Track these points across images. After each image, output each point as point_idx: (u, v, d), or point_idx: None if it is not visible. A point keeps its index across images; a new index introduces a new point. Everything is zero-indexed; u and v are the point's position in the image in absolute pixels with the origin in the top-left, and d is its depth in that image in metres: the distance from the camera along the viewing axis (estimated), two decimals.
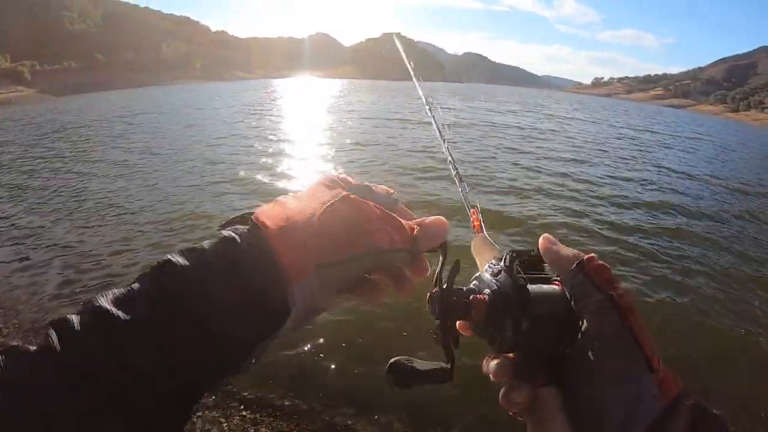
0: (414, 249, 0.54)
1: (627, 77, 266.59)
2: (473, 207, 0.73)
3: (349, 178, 0.58)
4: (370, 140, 15.97)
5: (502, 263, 0.55)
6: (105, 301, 0.39)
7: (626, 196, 10.42)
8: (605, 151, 18.04)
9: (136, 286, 0.41)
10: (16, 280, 5.57)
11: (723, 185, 13.63)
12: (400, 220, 0.54)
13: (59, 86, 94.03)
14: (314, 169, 11.42)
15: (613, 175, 12.97)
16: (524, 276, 0.53)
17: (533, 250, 0.57)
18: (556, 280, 0.55)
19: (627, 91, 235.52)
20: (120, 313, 0.38)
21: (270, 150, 13.85)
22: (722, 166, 18.54)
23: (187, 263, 0.42)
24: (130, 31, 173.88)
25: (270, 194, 8.32)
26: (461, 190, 0.79)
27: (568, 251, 0.55)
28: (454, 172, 0.86)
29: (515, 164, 13.04)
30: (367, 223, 0.51)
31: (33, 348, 0.38)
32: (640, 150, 19.75)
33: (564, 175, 11.97)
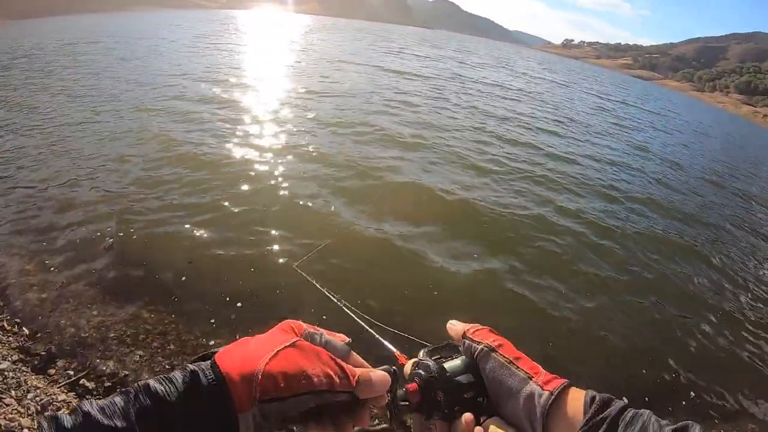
0: (356, 394, 0.69)
1: (597, 43, 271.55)
2: (401, 355, 0.91)
3: (303, 325, 0.77)
4: (327, 90, 15.59)
5: (422, 355, 0.85)
6: (91, 408, 0.50)
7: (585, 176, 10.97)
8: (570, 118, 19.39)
9: (118, 400, 0.52)
10: None
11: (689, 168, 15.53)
12: (346, 367, 0.70)
13: (15, 9, 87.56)
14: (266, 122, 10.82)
15: (573, 150, 13.46)
16: (440, 357, 0.84)
17: (443, 341, 0.89)
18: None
19: (596, 56, 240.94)
20: (104, 420, 0.49)
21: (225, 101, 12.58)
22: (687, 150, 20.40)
23: (162, 389, 0.55)
24: None
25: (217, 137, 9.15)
26: (388, 344, 0.98)
27: (458, 328, 0.88)
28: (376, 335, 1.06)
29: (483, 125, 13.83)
30: (310, 368, 0.65)
31: None
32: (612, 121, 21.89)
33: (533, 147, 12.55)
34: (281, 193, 7.17)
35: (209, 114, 10.70)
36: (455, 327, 0.90)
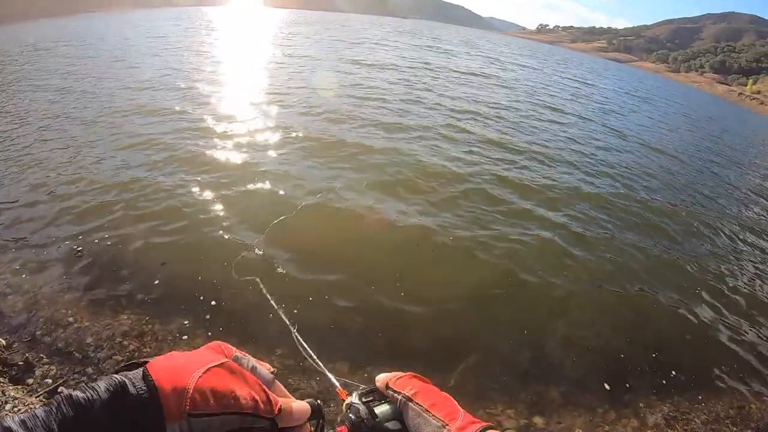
0: (277, 421, 0.72)
1: (572, 27, 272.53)
2: (342, 390, 0.97)
3: (232, 348, 0.80)
4: (293, 89, 15.29)
5: (354, 398, 0.89)
6: (12, 423, 0.49)
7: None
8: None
9: (39, 412, 0.52)
10: None
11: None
12: (271, 394, 0.74)
13: None
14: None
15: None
16: (372, 401, 0.89)
17: (372, 387, 0.93)
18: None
19: (571, 40, 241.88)
20: None
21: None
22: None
23: (85, 397, 0.55)
24: None
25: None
26: (332, 377, 1.04)
27: (383, 379, 0.92)
28: (314, 361, 1.12)
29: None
30: (238, 390, 0.68)
31: None
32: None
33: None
34: (248, 192, 7.20)
35: (173, 116, 10.69)
36: (381, 379, 0.94)
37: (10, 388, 3.47)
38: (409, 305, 5.03)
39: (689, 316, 5.75)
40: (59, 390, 3.55)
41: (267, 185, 7.35)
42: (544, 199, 8.27)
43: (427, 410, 0.82)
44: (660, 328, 5.44)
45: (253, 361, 0.81)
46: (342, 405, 0.93)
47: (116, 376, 0.61)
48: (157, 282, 4.93)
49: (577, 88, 28.43)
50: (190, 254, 5.44)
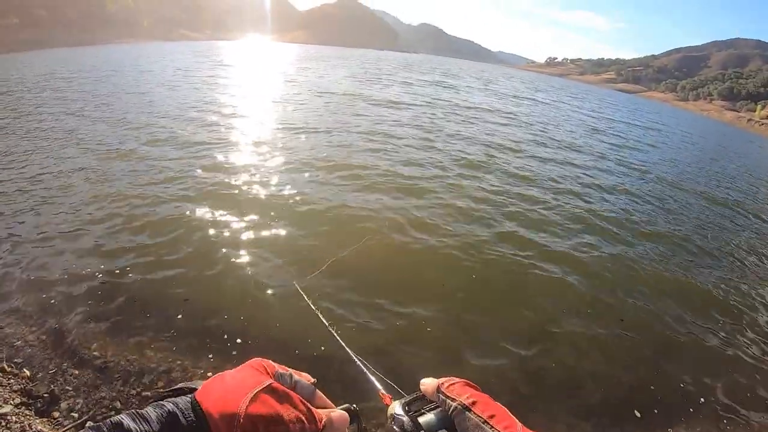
0: None
1: (580, 59, 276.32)
2: (385, 394, 0.97)
3: (274, 365, 0.80)
4: (319, 122, 15.69)
5: (398, 409, 0.88)
6: None
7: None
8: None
9: None
10: None
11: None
12: (314, 410, 0.74)
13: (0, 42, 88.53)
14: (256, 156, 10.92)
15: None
16: (416, 411, 0.88)
17: (418, 392, 0.92)
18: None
19: (580, 72, 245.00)
20: None
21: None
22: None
23: (136, 428, 0.55)
24: None
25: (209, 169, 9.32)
26: (377, 382, 1.04)
27: (432, 384, 0.90)
28: (359, 363, 1.12)
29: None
30: (285, 414, 0.69)
31: None
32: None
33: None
34: (268, 226, 7.27)
35: (190, 154, 10.70)
36: (428, 384, 0.93)
37: (36, 421, 3.47)
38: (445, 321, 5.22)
39: (714, 347, 5.80)
40: (87, 425, 3.53)
41: (286, 222, 7.44)
42: (561, 238, 8.22)
43: (486, 421, 0.80)
44: (685, 358, 5.48)
45: (294, 375, 0.84)
46: (386, 410, 0.93)
47: (166, 404, 0.65)
48: (180, 316, 4.97)
49: (589, 122, 28.23)
50: (212, 290, 5.48)
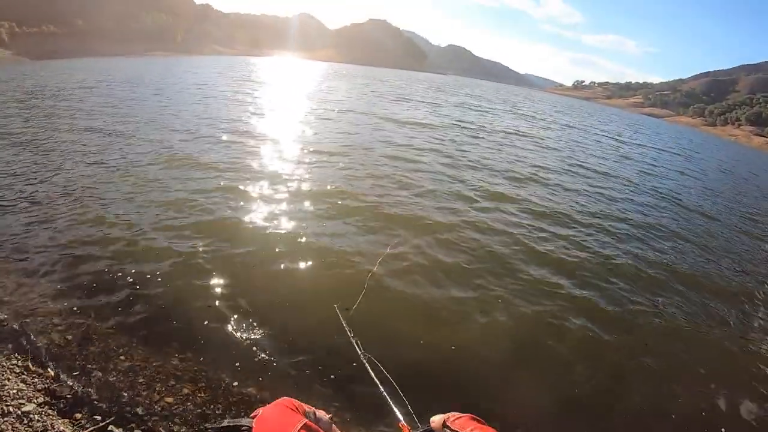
0: None
1: (608, 83, 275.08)
2: (404, 425, 1.06)
3: (303, 405, 0.92)
4: (345, 142, 15.69)
5: None
6: None
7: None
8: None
9: None
10: None
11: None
12: None
13: (37, 50, 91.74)
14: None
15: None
16: None
17: (428, 426, 1.06)
18: None
19: (607, 96, 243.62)
20: None
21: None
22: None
23: None
24: None
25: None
26: (398, 414, 1.15)
27: (439, 419, 1.00)
28: (384, 391, 1.26)
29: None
30: None
31: None
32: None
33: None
34: (295, 241, 7.35)
35: (220, 171, 10.70)
36: (436, 419, 1.01)
37: (59, 421, 3.48)
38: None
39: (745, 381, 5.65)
40: (109, 428, 3.51)
41: (303, 241, 7.51)
42: (587, 285, 7.46)
43: None
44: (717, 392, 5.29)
45: (317, 412, 0.94)
46: None
47: None
48: (206, 323, 5.00)
49: (618, 147, 27.69)
50: (239, 300, 5.49)
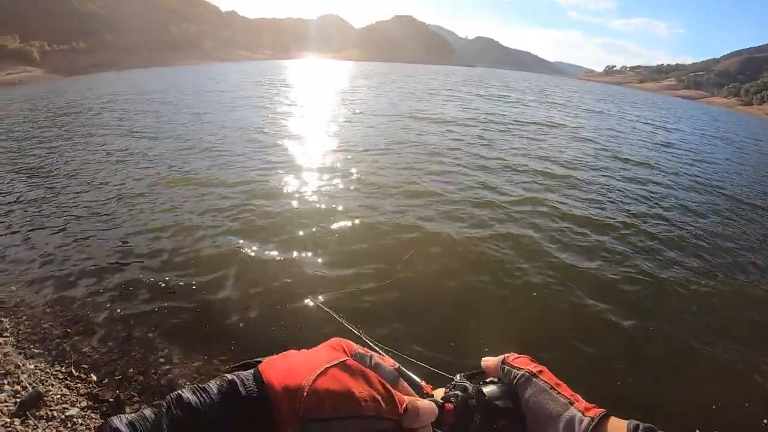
0: (401, 422, 0.67)
1: (639, 66, 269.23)
2: (428, 385, 0.86)
3: (353, 345, 0.76)
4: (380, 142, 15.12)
5: (459, 378, 0.87)
6: (120, 424, 0.48)
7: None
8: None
9: (148, 413, 0.51)
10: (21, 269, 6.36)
11: None
12: (396, 393, 0.68)
13: (68, 66, 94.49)
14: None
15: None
16: (479, 382, 0.86)
17: (478, 368, 0.92)
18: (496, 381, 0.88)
19: (639, 80, 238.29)
20: None
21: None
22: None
23: (196, 400, 0.54)
24: (139, 11, 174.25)
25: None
26: (413, 376, 0.85)
27: (495, 359, 0.91)
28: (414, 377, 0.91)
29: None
30: (358, 391, 0.63)
31: None
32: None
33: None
34: (330, 239, 7.36)
35: (252, 170, 10.94)
36: (491, 359, 0.92)
37: None
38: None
39: None
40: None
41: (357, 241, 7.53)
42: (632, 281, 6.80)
43: (554, 387, 0.81)
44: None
45: (376, 357, 0.77)
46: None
47: (228, 375, 0.60)
48: (242, 325, 5.03)
49: (656, 133, 25.72)
50: (270, 302, 5.52)
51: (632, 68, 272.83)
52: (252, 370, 0.62)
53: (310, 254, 6.77)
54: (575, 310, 5.86)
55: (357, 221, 8.06)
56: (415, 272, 6.41)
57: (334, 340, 0.75)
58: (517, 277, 6.51)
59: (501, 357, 0.90)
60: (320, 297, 5.58)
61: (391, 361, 0.79)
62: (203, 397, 0.55)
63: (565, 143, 17.97)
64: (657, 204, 10.79)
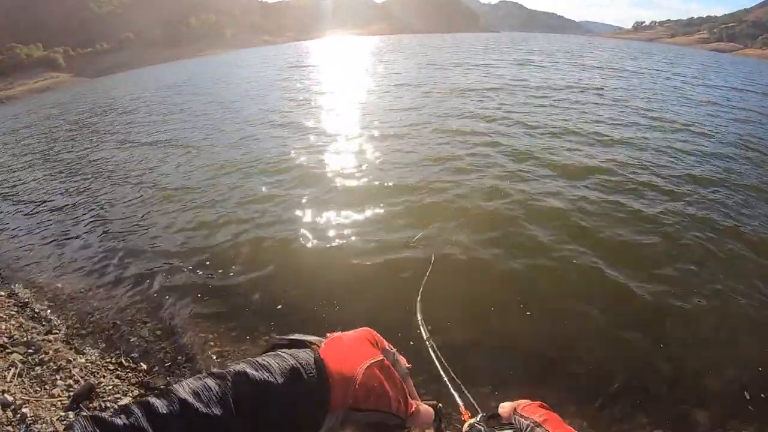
0: (406, 422, 0.77)
1: (669, 20, 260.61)
2: (465, 411, 1.05)
3: (384, 341, 0.86)
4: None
5: (479, 419, 0.98)
6: (184, 392, 0.50)
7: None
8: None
9: (212, 384, 0.54)
10: (55, 261, 6.79)
11: None
12: (408, 396, 0.80)
13: (94, 68, 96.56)
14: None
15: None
16: (494, 426, 0.98)
17: (495, 413, 1.01)
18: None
19: (670, 35, 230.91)
20: (202, 408, 0.50)
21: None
22: None
23: (262, 378, 0.58)
24: (157, 7, 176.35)
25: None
26: (457, 395, 1.11)
27: (509, 406, 0.99)
28: (446, 377, 1.20)
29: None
30: (391, 391, 0.74)
31: (121, 422, 0.49)
32: None
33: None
34: (372, 228, 7.08)
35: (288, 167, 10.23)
36: (506, 406, 1.01)
37: None
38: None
39: None
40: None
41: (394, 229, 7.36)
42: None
43: None
44: None
45: (396, 354, 0.90)
46: (463, 425, 1.03)
47: (286, 356, 0.67)
48: (279, 307, 5.06)
49: (695, 92, 22.25)
50: (308, 284, 5.50)
51: (661, 23, 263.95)
52: (311, 354, 0.70)
53: (345, 242, 6.59)
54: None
55: (395, 193, 7.94)
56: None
57: (368, 332, 0.87)
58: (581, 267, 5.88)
59: (514, 405, 1.00)
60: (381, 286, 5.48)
61: (405, 360, 0.93)
62: (266, 375, 0.61)
63: (601, 107, 16.12)
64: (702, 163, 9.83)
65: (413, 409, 0.80)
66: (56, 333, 4.82)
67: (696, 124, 13.73)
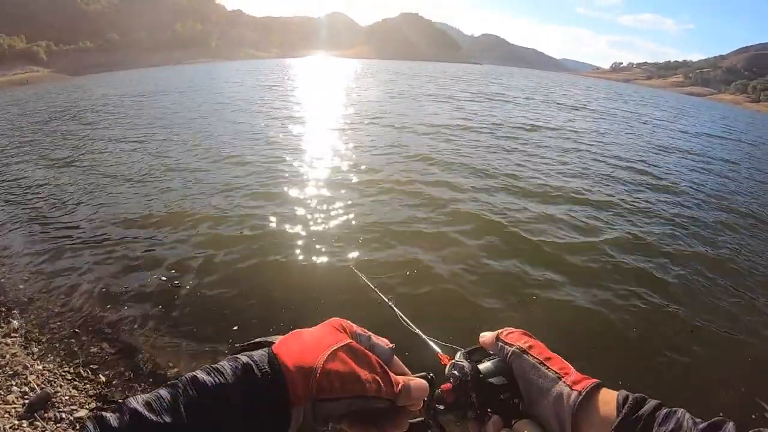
0: (396, 402, 0.72)
1: (646, 63, 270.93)
2: (443, 355, 0.97)
3: (353, 325, 0.80)
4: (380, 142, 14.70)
5: (459, 356, 0.91)
6: (137, 404, 0.49)
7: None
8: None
9: (164, 393, 0.52)
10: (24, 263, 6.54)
11: None
12: (391, 374, 0.74)
13: (74, 66, 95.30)
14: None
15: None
16: (476, 360, 0.89)
17: (476, 346, 0.94)
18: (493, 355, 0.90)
19: (646, 77, 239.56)
20: (152, 417, 0.48)
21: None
22: None
23: (212, 381, 0.55)
24: (144, 10, 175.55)
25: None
26: (434, 346, 1.04)
27: (491, 335, 0.93)
28: (417, 331, 1.14)
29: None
30: (362, 373, 0.68)
31: None
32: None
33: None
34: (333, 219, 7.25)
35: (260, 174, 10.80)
36: (487, 335, 0.94)
37: None
38: None
39: None
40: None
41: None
42: None
43: (543, 362, 0.82)
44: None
45: (373, 338, 0.82)
46: (445, 370, 0.94)
47: (241, 357, 0.62)
48: (236, 328, 5.00)
49: (669, 137, 22.62)
50: (263, 288, 5.61)
51: (639, 65, 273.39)
52: (266, 351, 0.65)
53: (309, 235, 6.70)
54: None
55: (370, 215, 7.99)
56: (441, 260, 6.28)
57: (335, 321, 0.79)
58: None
59: (496, 333, 0.92)
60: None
61: (386, 341, 0.83)
62: (218, 378, 0.57)
63: (578, 155, 15.38)
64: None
65: (400, 387, 0.74)
66: (14, 337, 4.70)
67: (670, 180, 12.94)
